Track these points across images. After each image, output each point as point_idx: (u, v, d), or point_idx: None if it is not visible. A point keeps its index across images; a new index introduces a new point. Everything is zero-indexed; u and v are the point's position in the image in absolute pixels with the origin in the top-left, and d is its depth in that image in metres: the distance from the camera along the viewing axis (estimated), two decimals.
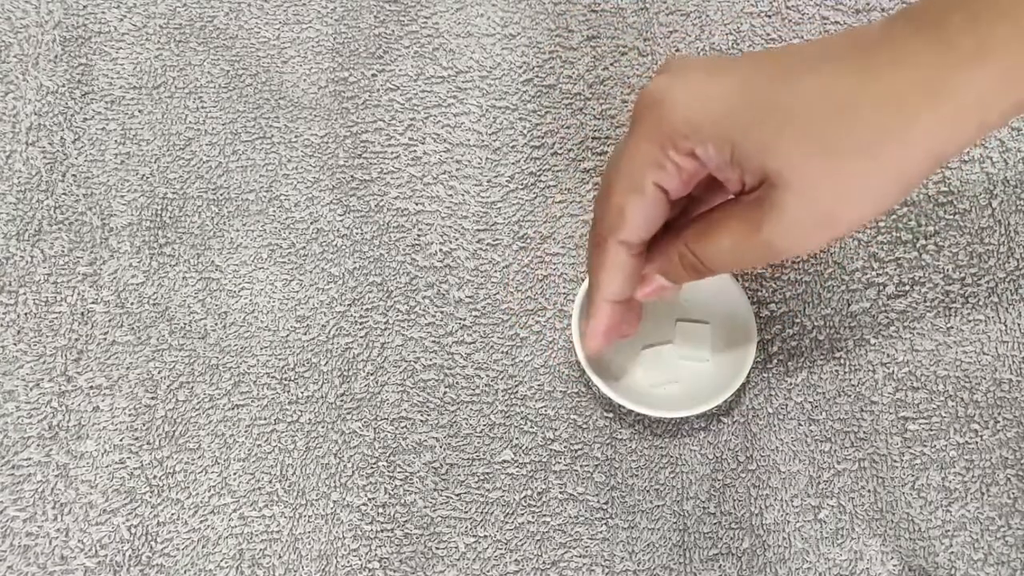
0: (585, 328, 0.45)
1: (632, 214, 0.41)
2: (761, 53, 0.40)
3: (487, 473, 0.47)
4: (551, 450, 0.48)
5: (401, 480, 0.47)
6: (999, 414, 0.48)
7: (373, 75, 0.55)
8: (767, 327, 0.49)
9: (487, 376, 0.49)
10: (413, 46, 0.56)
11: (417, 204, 0.52)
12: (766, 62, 0.38)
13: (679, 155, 0.39)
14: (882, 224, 0.52)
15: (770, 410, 0.48)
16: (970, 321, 0.50)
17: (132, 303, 0.50)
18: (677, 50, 0.55)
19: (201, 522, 0.46)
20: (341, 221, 0.52)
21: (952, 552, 0.46)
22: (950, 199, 0.52)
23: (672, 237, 0.42)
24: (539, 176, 0.53)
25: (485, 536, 0.46)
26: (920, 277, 0.51)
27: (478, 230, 0.52)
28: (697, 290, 0.48)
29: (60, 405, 0.48)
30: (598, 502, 0.47)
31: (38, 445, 0.47)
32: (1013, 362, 0.49)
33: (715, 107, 0.38)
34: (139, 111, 0.54)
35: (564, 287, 0.50)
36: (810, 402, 0.48)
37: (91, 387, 0.48)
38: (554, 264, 0.51)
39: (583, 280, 0.50)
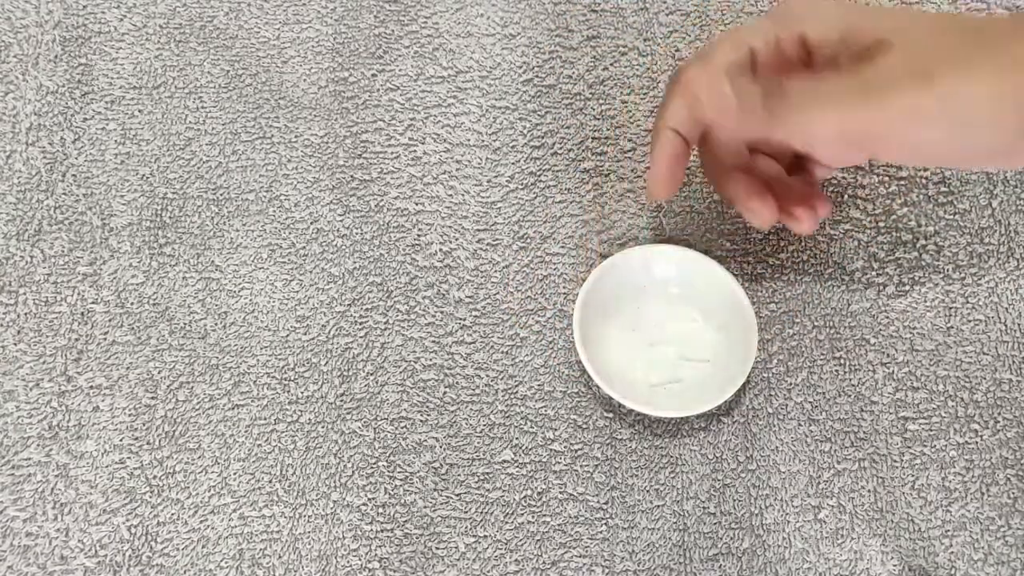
0: (648, 173, 0.46)
1: (724, 52, 0.43)
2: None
3: (487, 473, 0.47)
4: (551, 450, 0.48)
5: (401, 480, 0.47)
6: (999, 414, 0.48)
7: (373, 75, 0.55)
8: (767, 327, 0.49)
9: (487, 376, 0.49)
10: (413, 46, 0.56)
11: (417, 204, 0.52)
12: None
13: (786, 36, 0.43)
14: (882, 224, 0.52)
15: (770, 410, 0.48)
16: (970, 321, 0.50)
17: (132, 303, 0.50)
18: (677, 50, 0.55)
19: (201, 522, 0.46)
20: (341, 221, 0.52)
21: (952, 552, 0.46)
22: (950, 199, 0.52)
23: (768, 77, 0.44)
24: (539, 176, 0.53)
25: (485, 536, 0.46)
26: (920, 277, 0.51)
27: (478, 230, 0.52)
28: (698, 291, 0.49)
29: (60, 405, 0.48)
30: (598, 502, 0.47)
31: (38, 445, 0.47)
32: (1013, 362, 0.49)
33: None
34: (139, 111, 0.54)
35: (564, 287, 0.51)
36: (810, 402, 0.48)
37: (91, 387, 0.48)
38: (554, 264, 0.51)
39: (583, 280, 0.50)
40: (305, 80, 0.55)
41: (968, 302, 0.50)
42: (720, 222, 0.52)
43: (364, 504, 0.47)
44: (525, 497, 0.47)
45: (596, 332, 0.48)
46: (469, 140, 0.54)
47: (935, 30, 0.40)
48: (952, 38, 0.40)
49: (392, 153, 0.53)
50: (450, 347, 0.49)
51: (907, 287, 0.51)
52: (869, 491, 0.47)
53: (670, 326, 0.49)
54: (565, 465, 0.47)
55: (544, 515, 0.46)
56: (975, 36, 0.39)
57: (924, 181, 0.53)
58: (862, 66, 0.40)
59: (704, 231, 0.52)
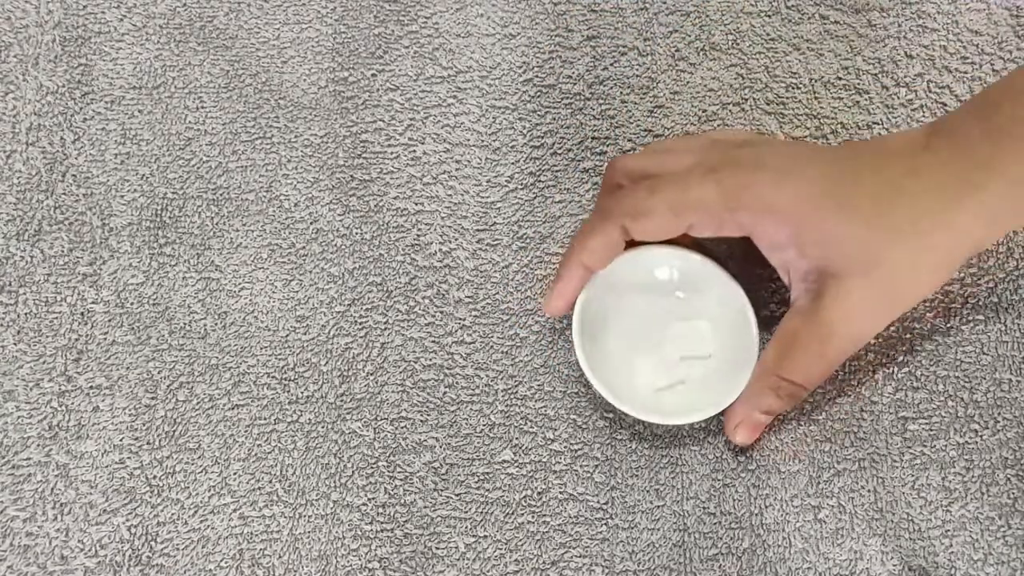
0: (553, 287, 0.47)
1: (656, 222, 0.45)
2: (823, 152, 0.46)
3: (487, 473, 0.47)
4: (551, 450, 0.48)
5: (401, 480, 0.47)
6: (999, 414, 0.48)
7: (373, 75, 0.55)
8: (767, 327, 0.49)
9: (487, 376, 0.49)
10: (413, 46, 0.56)
11: (417, 204, 0.52)
12: (833, 164, 0.44)
13: (731, 222, 0.44)
14: None
15: None
16: (970, 321, 0.50)
17: (132, 303, 0.50)
18: (677, 50, 0.55)
19: (201, 522, 0.46)
20: (341, 221, 0.52)
21: (952, 552, 0.46)
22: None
23: (759, 377, 0.45)
24: (539, 176, 0.53)
25: (485, 536, 0.46)
26: None
27: (478, 230, 0.52)
28: (697, 292, 0.48)
29: (60, 405, 0.48)
30: (598, 502, 0.47)
31: (38, 445, 0.47)
32: (1013, 362, 0.49)
33: (792, 194, 0.43)
34: (139, 111, 0.54)
35: None
36: (810, 402, 0.48)
37: (91, 387, 0.48)
38: (554, 264, 0.51)
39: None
40: (305, 80, 0.55)
41: (968, 302, 0.50)
42: None
43: (364, 504, 0.47)
44: (525, 497, 0.47)
45: (596, 339, 0.47)
46: (469, 140, 0.54)
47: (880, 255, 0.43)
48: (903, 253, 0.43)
49: (392, 153, 0.53)
50: (450, 347, 0.49)
51: None
52: (869, 491, 0.47)
53: (671, 327, 0.49)
54: (565, 465, 0.47)
55: (544, 515, 0.46)
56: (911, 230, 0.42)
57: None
58: (830, 310, 0.44)
59: None
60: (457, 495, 0.47)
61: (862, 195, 0.43)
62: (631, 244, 0.47)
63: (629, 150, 0.53)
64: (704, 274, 0.48)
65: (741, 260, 0.50)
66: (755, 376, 0.46)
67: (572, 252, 0.46)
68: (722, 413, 0.47)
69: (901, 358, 0.49)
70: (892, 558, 0.46)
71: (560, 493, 0.47)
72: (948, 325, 0.50)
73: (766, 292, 0.50)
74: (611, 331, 0.48)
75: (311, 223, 0.52)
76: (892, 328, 0.50)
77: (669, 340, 0.48)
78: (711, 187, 0.44)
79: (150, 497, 0.47)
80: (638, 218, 0.45)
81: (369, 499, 0.47)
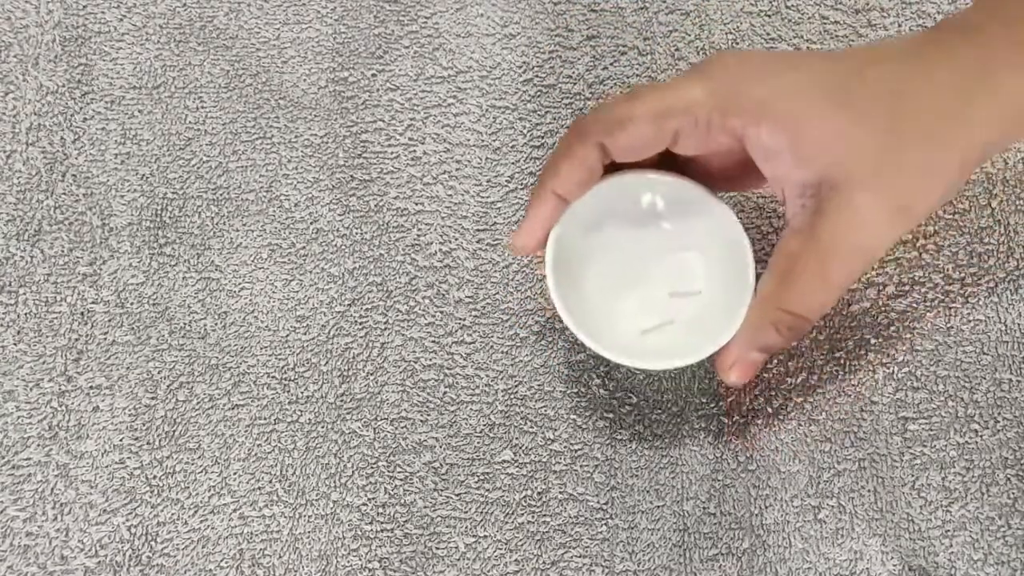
0: (522, 221, 0.42)
1: (634, 132, 0.39)
2: (820, 53, 0.41)
3: (487, 473, 0.47)
4: (551, 450, 0.48)
5: (401, 480, 0.47)
6: (999, 414, 0.48)
7: (373, 75, 0.55)
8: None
9: (487, 376, 0.49)
10: (413, 46, 0.56)
11: (417, 204, 0.52)
12: (835, 62, 0.39)
13: (721, 128, 0.38)
14: None
15: (770, 410, 0.48)
16: (970, 321, 0.50)
17: (132, 303, 0.50)
18: (677, 50, 0.55)
19: (201, 522, 0.46)
20: (341, 221, 0.52)
21: (952, 552, 0.46)
22: (950, 199, 0.52)
23: (756, 310, 0.41)
24: (539, 176, 0.53)
25: (485, 536, 0.46)
26: (920, 277, 0.51)
27: (478, 230, 0.52)
28: (678, 215, 0.44)
29: (60, 405, 0.48)
30: (598, 502, 0.47)
31: (38, 445, 0.47)
32: (1013, 362, 0.49)
33: (790, 94, 0.38)
34: (139, 111, 0.54)
35: None
36: (810, 402, 0.48)
37: (91, 387, 0.48)
38: None
39: None
40: (305, 80, 0.55)
41: (968, 302, 0.50)
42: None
43: (364, 504, 0.47)
44: (525, 497, 0.47)
45: (573, 278, 0.42)
46: (469, 140, 0.54)
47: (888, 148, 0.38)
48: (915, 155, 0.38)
49: (392, 153, 0.53)
50: (450, 347, 0.49)
51: (907, 287, 0.51)
52: (869, 491, 0.47)
53: (656, 262, 0.44)
54: (565, 465, 0.47)
55: (544, 515, 0.47)
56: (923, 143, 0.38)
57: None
58: (836, 226, 0.39)
59: None
60: (457, 495, 0.47)
61: (868, 95, 0.38)
62: (610, 169, 0.42)
63: None
64: (693, 200, 0.43)
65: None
66: (751, 310, 0.41)
67: (542, 179, 0.41)
68: (716, 409, 0.46)
69: (901, 358, 0.49)
70: (892, 558, 0.46)
71: (560, 493, 0.47)
72: (948, 325, 0.50)
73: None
74: (590, 269, 0.44)
75: (311, 223, 0.52)
76: (892, 328, 0.50)
77: (655, 276, 0.44)
78: (698, 88, 0.39)
79: (150, 497, 0.47)
80: (615, 131, 0.39)
81: (369, 499, 0.47)
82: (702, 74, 0.39)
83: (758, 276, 0.42)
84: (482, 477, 0.47)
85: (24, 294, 0.50)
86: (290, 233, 0.52)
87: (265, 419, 0.48)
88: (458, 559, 0.46)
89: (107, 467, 0.47)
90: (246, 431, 0.48)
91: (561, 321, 0.45)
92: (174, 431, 0.48)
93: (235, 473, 0.47)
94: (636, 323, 0.43)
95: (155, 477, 0.47)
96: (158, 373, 0.49)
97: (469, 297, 0.50)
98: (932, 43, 0.38)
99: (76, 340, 0.49)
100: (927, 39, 0.39)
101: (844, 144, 0.37)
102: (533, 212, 0.42)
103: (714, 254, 0.43)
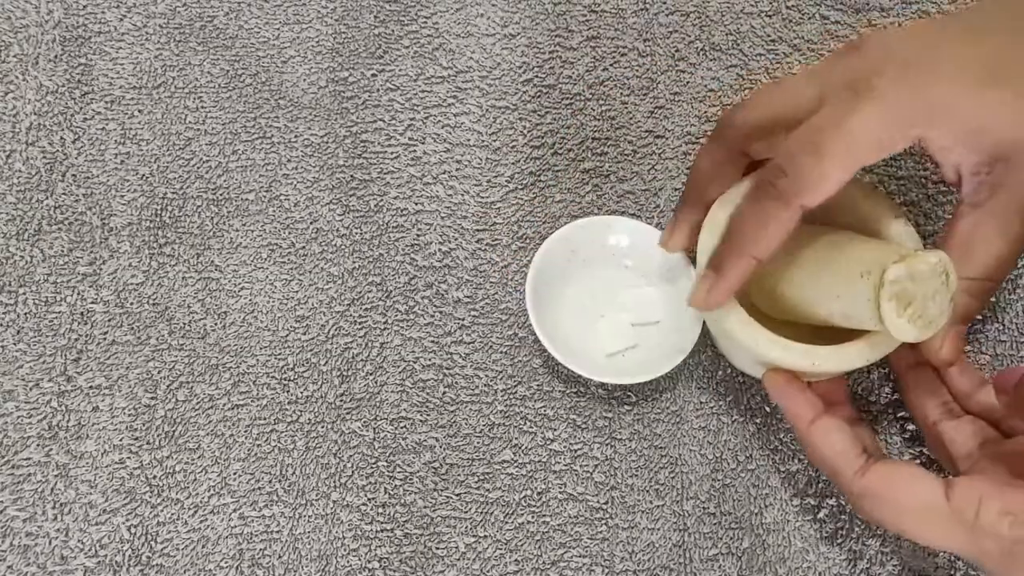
0: (710, 282, 0.43)
1: (831, 184, 0.40)
2: (953, 32, 0.42)
3: (487, 473, 0.47)
4: (550, 450, 0.48)
5: (401, 480, 0.47)
6: None
7: (373, 75, 0.55)
8: None
9: (486, 376, 0.49)
10: (413, 46, 0.56)
11: (417, 204, 0.52)
12: (971, 44, 0.41)
13: (903, 141, 0.40)
14: None
15: (769, 410, 0.48)
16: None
17: (132, 303, 0.50)
18: (677, 50, 0.55)
19: (201, 522, 0.46)
20: (341, 221, 0.52)
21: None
22: (950, 199, 0.52)
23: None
24: (539, 176, 0.53)
25: (485, 536, 0.46)
26: None
27: (477, 230, 0.52)
28: (648, 260, 0.49)
29: (60, 405, 0.48)
30: (598, 502, 0.47)
31: (38, 445, 0.47)
32: (1011, 361, 0.49)
33: (948, 92, 0.40)
34: (139, 111, 0.54)
35: None
36: None
37: (91, 387, 0.48)
38: None
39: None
40: (305, 80, 0.55)
41: None
42: None
43: (364, 504, 0.47)
44: (525, 497, 0.47)
45: (550, 307, 0.48)
46: (469, 140, 0.54)
47: None
48: None
49: (392, 153, 0.53)
50: (449, 347, 0.49)
51: None
52: None
53: (622, 294, 0.49)
54: (565, 465, 0.47)
55: (544, 515, 0.47)
56: None
57: (924, 181, 0.53)
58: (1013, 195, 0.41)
59: None
60: (457, 495, 0.47)
61: (1011, 71, 0.40)
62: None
63: (629, 152, 0.53)
64: (651, 240, 0.48)
65: None
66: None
67: (743, 244, 0.42)
68: (716, 409, 0.47)
69: None
70: (892, 559, 0.46)
71: (560, 493, 0.47)
72: None
73: None
74: (565, 300, 0.49)
75: (311, 223, 0.52)
76: None
77: (620, 308, 0.49)
78: (873, 116, 0.40)
79: (150, 497, 0.47)
80: (815, 191, 0.40)
81: (369, 499, 0.47)
82: (873, 98, 0.40)
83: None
84: (482, 477, 0.47)
85: (24, 294, 0.50)
86: (290, 233, 0.52)
87: (265, 419, 0.48)
88: (458, 559, 0.46)
89: (107, 467, 0.47)
90: (246, 431, 0.48)
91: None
92: (174, 431, 0.48)
93: (235, 473, 0.47)
94: (605, 347, 0.48)
95: (155, 477, 0.47)
96: (158, 373, 0.49)
97: (468, 297, 0.51)
98: None
99: (76, 340, 0.49)
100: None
101: (1009, 121, 0.40)
102: (729, 276, 0.42)
103: (669, 287, 0.49)
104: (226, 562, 0.46)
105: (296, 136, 0.54)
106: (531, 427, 0.48)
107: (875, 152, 0.40)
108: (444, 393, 0.49)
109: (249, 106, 0.54)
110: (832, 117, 0.40)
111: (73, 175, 0.53)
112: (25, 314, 0.50)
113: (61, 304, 0.50)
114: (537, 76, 0.55)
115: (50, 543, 0.46)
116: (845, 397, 0.46)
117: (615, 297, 0.49)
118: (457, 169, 0.53)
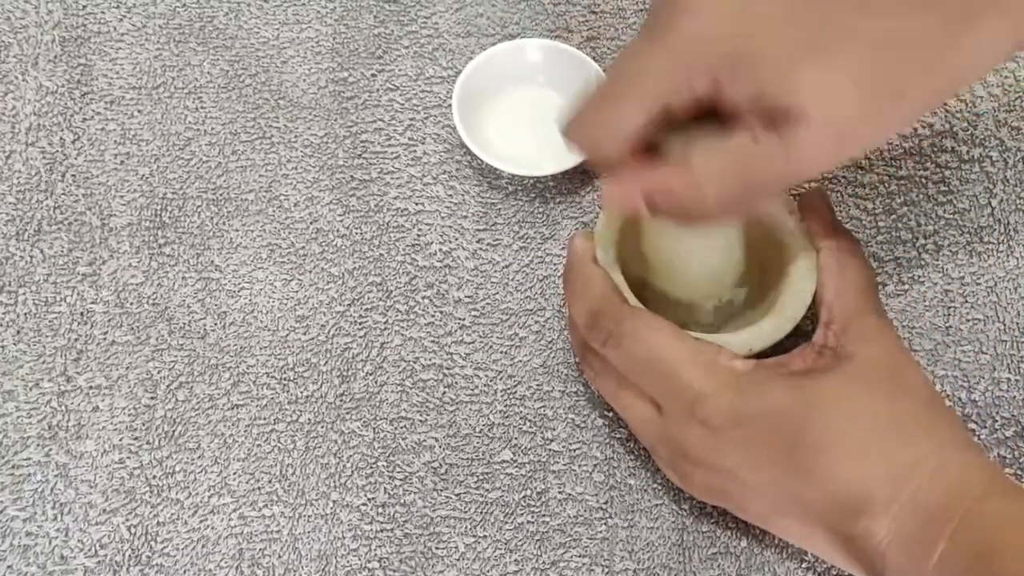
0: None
1: (632, 112, 0.38)
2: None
3: (486, 473, 0.47)
4: (550, 450, 0.48)
5: (401, 480, 0.47)
6: (997, 413, 0.48)
7: (373, 75, 0.55)
8: None
9: (486, 376, 0.49)
10: (413, 46, 0.56)
11: (417, 204, 0.52)
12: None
13: (698, 80, 0.37)
14: (881, 223, 0.52)
15: None
16: (969, 320, 0.50)
17: (132, 303, 0.50)
18: None
19: (201, 522, 0.46)
20: (341, 221, 0.52)
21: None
22: (949, 198, 0.52)
23: None
24: (539, 176, 0.53)
25: (485, 536, 0.46)
26: (919, 276, 0.51)
27: (478, 230, 0.52)
28: (562, 77, 0.53)
29: (60, 405, 0.48)
30: (597, 502, 0.47)
31: (38, 445, 0.47)
32: (1011, 361, 0.49)
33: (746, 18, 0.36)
34: (139, 111, 0.54)
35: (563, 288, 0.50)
36: None
37: (91, 387, 0.48)
38: (554, 264, 0.51)
39: None
40: (305, 80, 0.55)
41: (967, 301, 0.50)
42: None
43: (364, 504, 0.47)
44: (524, 497, 0.47)
45: (476, 117, 0.52)
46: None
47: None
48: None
49: (392, 153, 0.54)
50: (449, 347, 0.49)
51: (906, 286, 0.51)
52: None
53: (543, 109, 0.53)
54: (564, 465, 0.47)
55: (543, 515, 0.47)
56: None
57: (924, 180, 0.53)
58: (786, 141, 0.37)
59: None
60: (457, 495, 0.47)
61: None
62: None
63: None
64: (570, 59, 0.53)
65: None
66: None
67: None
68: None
69: None
70: None
71: (559, 493, 0.47)
72: (947, 324, 0.50)
73: None
74: (490, 112, 0.53)
75: (311, 223, 0.52)
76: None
77: (543, 120, 0.51)
78: (666, 59, 0.37)
79: (150, 497, 0.47)
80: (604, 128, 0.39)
81: (369, 499, 0.47)
82: (660, 48, 0.38)
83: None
84: (481, 477, 0.47)
85: (24, 294, 0.50)
86: (290, 233, 0.52)
87: (265, 419, 0.48)
88: (458, 559, 0.46)
89: (107, 467, 0.47)
90: (246, 431, 0.48)
91: (559, 318, 0.48)
92: (174, 431, 0.48)
93: (235, 473, 0.47)
94: (534, 147, 0.53)
95: (155, 477, 0.47)
96: (158, 373, 0.49)
97: (468, 297, 0.51)
98: None
99: (76, 340, 0.49)
100: None
101: (818, 68, 0.36)
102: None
103: (573, 90, 0.51)
104: (226, 562, 0.46)
105: (296, 136, 0.54)
106: (530, 427, 0.48)
107: (672, 87, 0.37)
108: (444, 393, 0.49)
109: (249, 106, 0.54)
110: (634, 69, 0.39)
111: (73, 175, 0.53)
112: (25, 314, 0.50)
113: (61, 304, 0.50)
114: None
115: (50, 543, 0.46)
116: None
117: (538, 110, 0.53)
118: (457, 169, 0.53)
